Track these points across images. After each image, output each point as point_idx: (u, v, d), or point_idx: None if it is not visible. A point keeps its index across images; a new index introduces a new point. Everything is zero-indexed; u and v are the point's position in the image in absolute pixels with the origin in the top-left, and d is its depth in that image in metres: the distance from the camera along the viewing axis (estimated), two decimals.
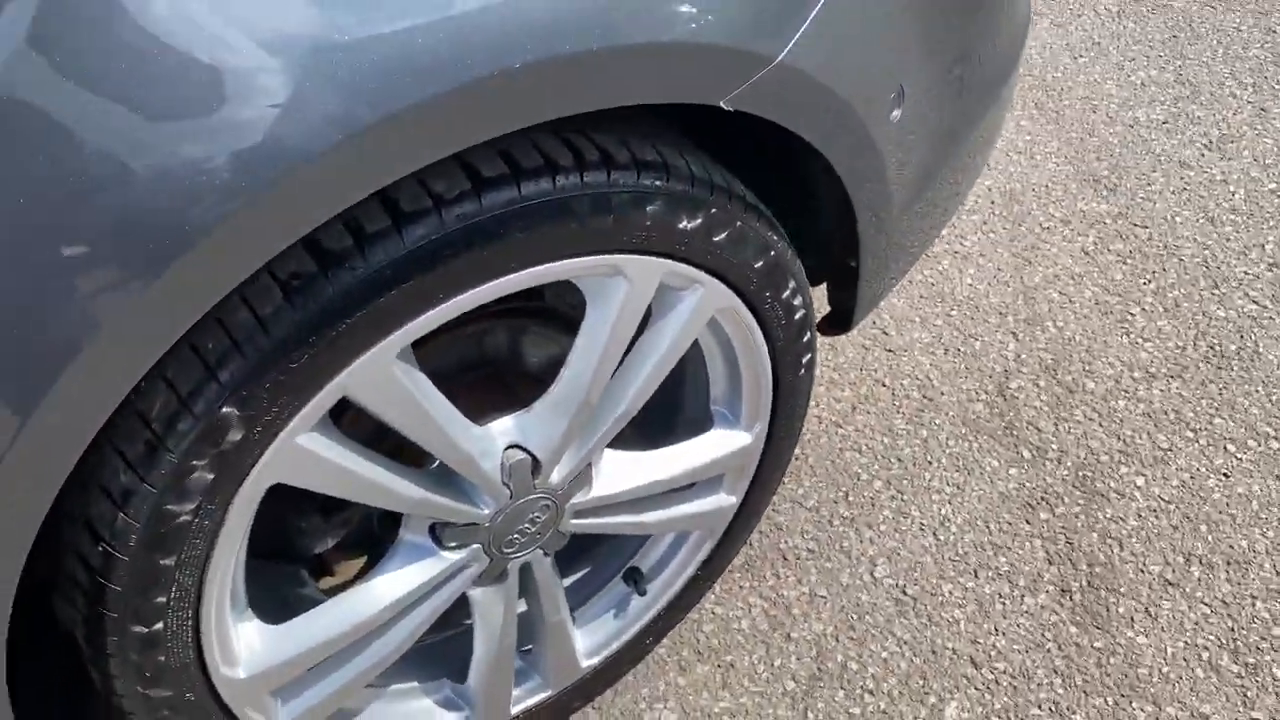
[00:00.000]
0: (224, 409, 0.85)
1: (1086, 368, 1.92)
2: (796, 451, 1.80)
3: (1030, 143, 2.41)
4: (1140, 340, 1.97)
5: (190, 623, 0.94)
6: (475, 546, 1.13)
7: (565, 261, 0.96)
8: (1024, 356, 1.94)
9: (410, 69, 0.79)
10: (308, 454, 0.93)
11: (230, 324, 0.84)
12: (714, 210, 1.05)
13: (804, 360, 1.31)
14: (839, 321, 1.44)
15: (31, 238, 0.70)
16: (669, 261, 1.05)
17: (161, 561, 0.89)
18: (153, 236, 0.72)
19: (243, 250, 0.78)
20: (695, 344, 1.22)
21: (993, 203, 2.26)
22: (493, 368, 1.17)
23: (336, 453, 0.95)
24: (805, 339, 1.28)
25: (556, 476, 1.14)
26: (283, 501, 1.03)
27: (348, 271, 0.85)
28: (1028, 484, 1.75)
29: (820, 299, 1.41)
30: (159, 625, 0.92)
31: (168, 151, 0.72)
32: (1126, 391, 1.89)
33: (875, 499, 1.73)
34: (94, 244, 0.72)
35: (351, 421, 1.00)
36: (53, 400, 0.75)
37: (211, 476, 0.87)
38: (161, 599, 0.91)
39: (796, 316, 1.24)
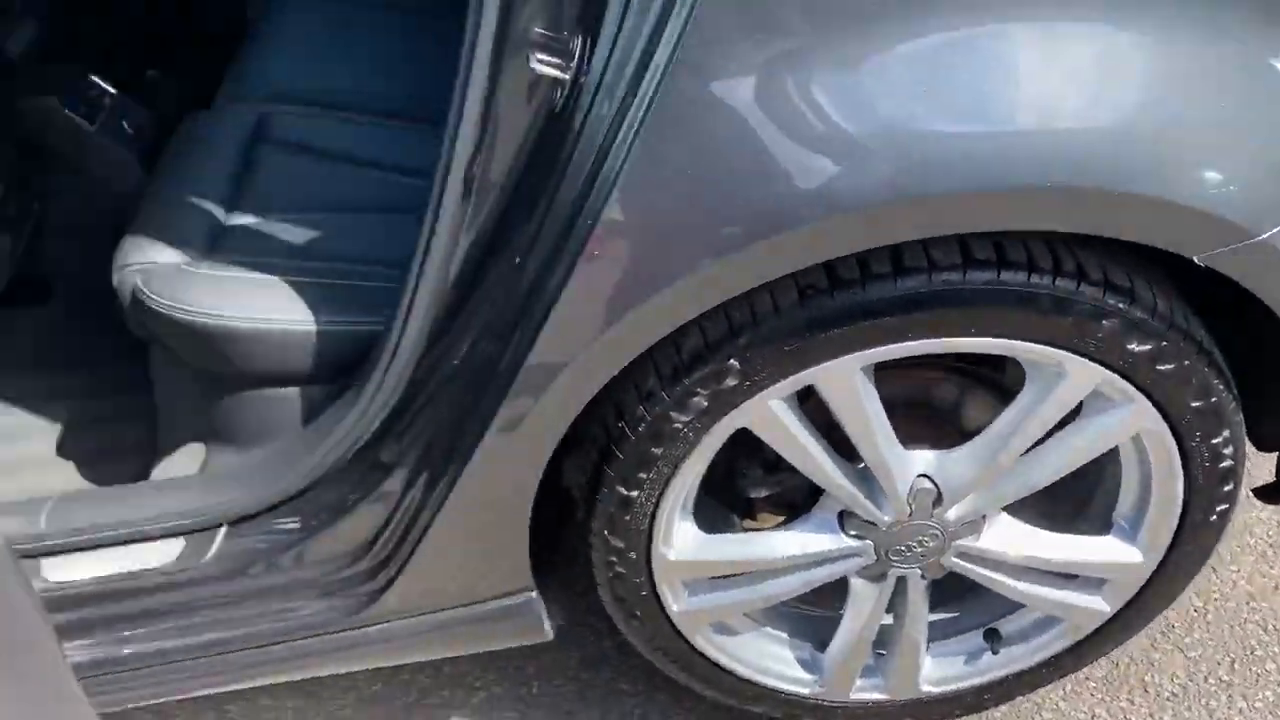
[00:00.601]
0: (730, 361, 1.17)
1: None
2: (1198, 604, 1.82)
3: None
4: None
5: (654, 502, 1.29)
6: (868, 542, 1.37)
7: (1017, 342, 1.17)
8: None
9: (955, 165, 1.05)
10: (773, 415, 1.23)
11: (756, 305, 1.15)
12: (1165, 343, 1.19)
13: (1218, 508, 1.39)
14: (1276, 492, 1.49)
15: (684, 204, 1.06)
16: (1109, 373, 1.21)
17: (653, 449, 1.24)
18: (746, 224, 1.06)
19: (785, 257, 1.10)
20: (1115, 452, 1.36)
21: None
22: (933, 410, 1.40)
23: (793, 423, 1.25)
24: (1226, 489, 1.36)
25: (952, 515, 1.35)
26: (743, 449, 1.35)
27: (848, 295, 1.13)
28: None
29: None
30: (635, 493, 1.27)
31: (779, 173, 1.06)
32: None
33: (1262, 678, 1.72)
34: (713, 217, 1.07)
35: (814, 406, 1.28)
36: (630, 319, 1.11)
37: (705, 404, 1.20)
38: (643, 475, 1.26)
39: (1222, 465, 1.33)
